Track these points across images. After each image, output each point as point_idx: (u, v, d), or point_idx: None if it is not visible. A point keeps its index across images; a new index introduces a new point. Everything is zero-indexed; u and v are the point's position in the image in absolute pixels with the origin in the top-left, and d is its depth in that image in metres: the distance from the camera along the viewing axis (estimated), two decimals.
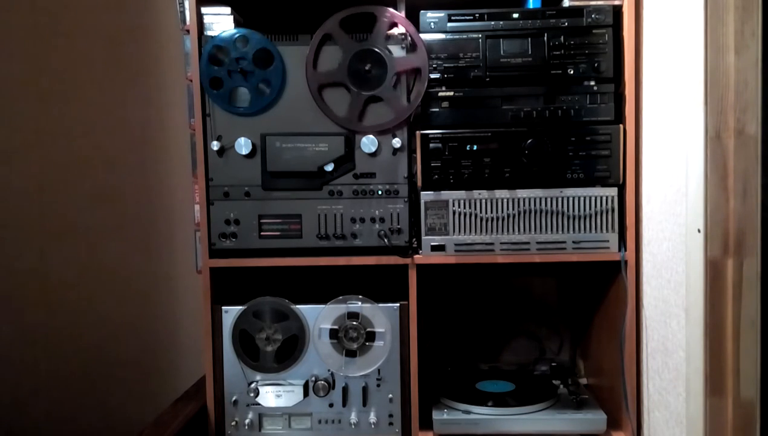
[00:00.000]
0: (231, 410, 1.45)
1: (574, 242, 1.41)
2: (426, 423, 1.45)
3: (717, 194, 1.05)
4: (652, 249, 1.33)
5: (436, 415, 1.43)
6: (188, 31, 1.40)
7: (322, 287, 1.53)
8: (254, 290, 1.48)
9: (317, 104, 1.40)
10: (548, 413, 1.44)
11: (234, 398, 1.45)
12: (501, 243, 1.42)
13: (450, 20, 1.41)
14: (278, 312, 1.44)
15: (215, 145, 1.41)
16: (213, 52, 1.38)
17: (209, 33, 1.41)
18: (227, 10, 1.42)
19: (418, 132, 1.43)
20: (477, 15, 1.40)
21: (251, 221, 1.43)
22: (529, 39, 1.40)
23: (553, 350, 1.81)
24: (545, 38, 1.40)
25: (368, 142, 1.40)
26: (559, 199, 1.41)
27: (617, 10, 1.40)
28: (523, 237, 1.42)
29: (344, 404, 1.45)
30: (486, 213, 1.42)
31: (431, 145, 1.42)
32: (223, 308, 1.44)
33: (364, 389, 1.45)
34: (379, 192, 1.43)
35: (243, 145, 1.40)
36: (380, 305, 1.44)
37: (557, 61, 1.40)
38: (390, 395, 1.45)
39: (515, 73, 1.41)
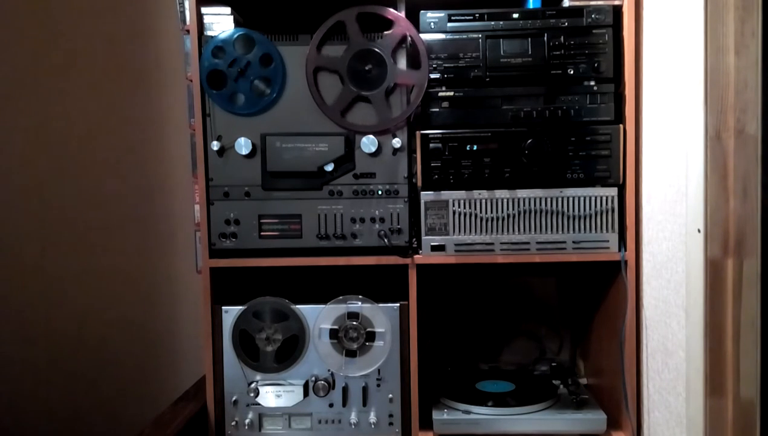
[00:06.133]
0: (231, 410, 1.45)
1: (574, 242, 1.41)
2: (426, 423, 1.45)
3: (717, 194, 1.05)
4: (652, 249, 1.33)
5: (436, 415, 1.43)
6: (188, 31, 1.40)
7: (322, 287, 1.53)
8: (254, 290, 1.48)
9: (308, 84, 1.39)
10: (548, 413, 1.44)
11: (234, 398, 1.45)
12: (501, 243, 1.42)
13: (450, 20, 1.40)
14: (278, 312, 1.44)
15: (215, 145, 1.41)
16: (213, 52, 1.38)
17: (209, 33, 1.41)
18: (227, 10, 1.42)
19: (418, 132, 1.43)
20: (477, 15, 1.40)
21: (251, 221, 1.43)
22: (529, 39, 1.40)
23: (553, 350, 1.81)
24: (545, 38, 1.40)
25: (368, 143, 1.40)
26: (559, 199, 1.41)
27: (617, 10, 1.40)
28: (523, 237, 1.42)
29: (344, 404, 1.45)
30: (486, 213, 1.42)
31: (431, 145, 1.42)
32: (223, 308, 1.44)
33: (364, 389, 1.45)
34: (379, 192, 1.43)
35: (243, 145, 1.40)
36: (380, 305, 1.44)
37: (557, 61, 1.40)
38: (390, 395, 1.44)
39: (515, 73, 1.41)
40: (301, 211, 1.43)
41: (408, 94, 1.41)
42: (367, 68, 1.39)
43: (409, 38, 1.39)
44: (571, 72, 1.40)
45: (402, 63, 1.40)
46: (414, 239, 1.44)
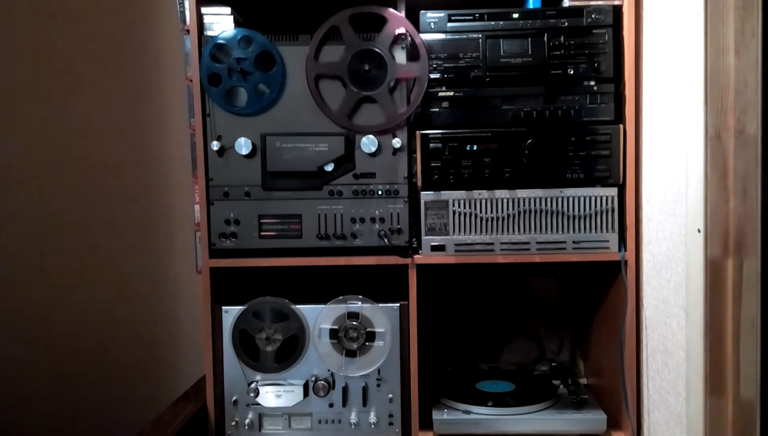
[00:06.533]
0: (231, 410, 1.45)
1: (574, 242, 1.41)
2: (426, 423, 1.44)
3: (717, 194, 1.05)
4: (652, 249, 1.33)
5: (436, 415, 1.43)
6: (188, 31, 1.40)
7: (322, 287, 1.53)
8: (254, 290, 1.48)
9: (311, 94, 1.39)
10: (548, 413, 1.44)
11: (234, 398, 1.45)
12: (501, 243, 1.42)
13: (450, 20, 1.40)
14: (278, 312, 1.44)
15: (215, 145, 1.41)
16: (213, 52, 1.38)
17: (209, 33, 1.41)
18: (227, 10, 1.42)
19: (418, 132, 1.43)
20: (477, 15, 1.40)
21: (251, 221, 1.43)
22: (529, 39, 1.40)
23: (553, 350, 1.81)
24: (545, 38, 1.40)
25: (368, 143, 1.40)
26: (559, 199, 1.41)
27: (617, 10, 1.40)
28: (523, 237, 1.42)
29: (344, 404, 1.45)
30: (486, 213, 1.42)
31: (431, 145, 1.42)
32: (223, 308, 1.44)
33: (364, 389, 1.45)
34: (379, 192, 1.43)
35: (243, 145, 1.40)
36: (380, 305, 1.44)
37: (557, 61, 1.40)
38: (390, 395, 1.44)
39: (515, 73, 1.41)
40: (301, 211, 1.43)
41: (408, 94, 1.41)
42: (367, 68, 1.39)
43: (406, 34, 1.39)
44: (571, 72, 1.40)
45: (401, 58, 1.40)
46: (414, 239, 1.44)
